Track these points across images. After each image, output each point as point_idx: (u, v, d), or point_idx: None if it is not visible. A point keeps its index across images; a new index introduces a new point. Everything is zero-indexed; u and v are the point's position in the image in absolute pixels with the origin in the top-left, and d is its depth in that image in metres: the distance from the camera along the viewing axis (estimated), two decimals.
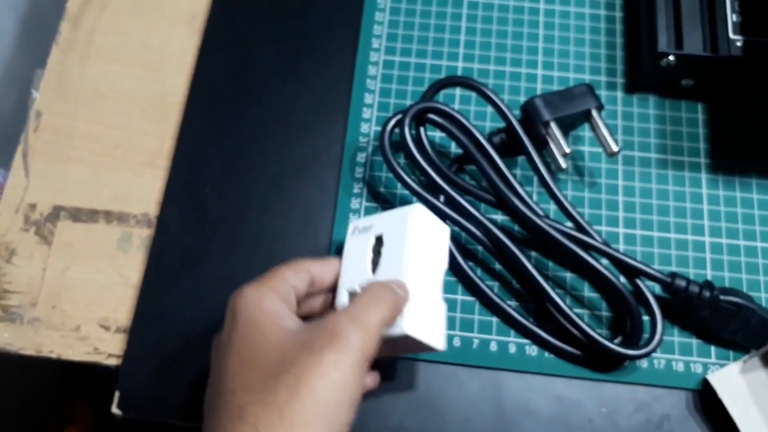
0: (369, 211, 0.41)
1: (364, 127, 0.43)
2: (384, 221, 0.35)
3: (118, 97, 0.45)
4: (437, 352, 0.34)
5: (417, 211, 0.34)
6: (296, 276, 0.33)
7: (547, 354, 0.38)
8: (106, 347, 0.39)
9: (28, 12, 0.58)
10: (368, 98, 0.44)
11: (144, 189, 0.42)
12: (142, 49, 0.46)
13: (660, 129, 0.43)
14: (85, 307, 0.40)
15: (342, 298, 0.35)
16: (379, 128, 0.43)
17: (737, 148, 0.43)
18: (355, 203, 0.41)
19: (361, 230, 0.36)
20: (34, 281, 0.40)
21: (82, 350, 0.39)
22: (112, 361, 0.39)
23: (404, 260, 0.33)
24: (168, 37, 0.47)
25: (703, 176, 0.42)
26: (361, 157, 0.43)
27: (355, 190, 0.42)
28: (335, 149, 0.43)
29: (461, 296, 0.39)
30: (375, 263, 0.35)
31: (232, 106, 0.44)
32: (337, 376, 0.27)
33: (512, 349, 0.38)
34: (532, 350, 0.38)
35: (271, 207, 0.42)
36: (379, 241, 0.35)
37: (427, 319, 0.33)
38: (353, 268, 0.35)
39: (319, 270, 0.34)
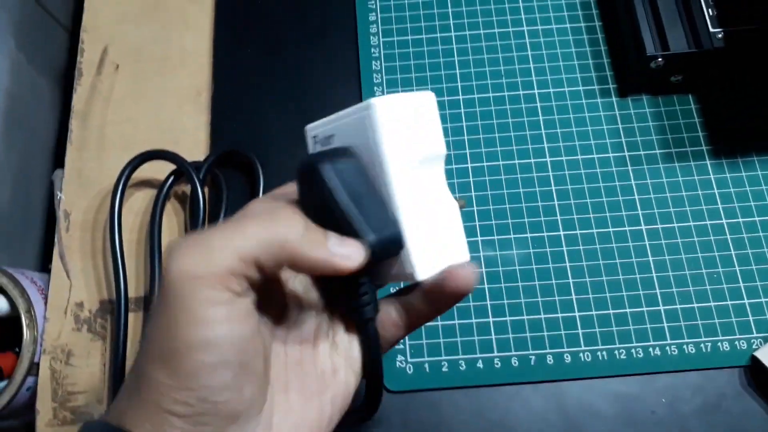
0: None
1: None
2: (346, 129, 0.26)
3: (138, 184, 0.46)
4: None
5: (381, 108, 0.25)
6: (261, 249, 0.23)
7: (600, 358, 0.40)
8: None
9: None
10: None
11: None
12: (154, 132, 0.47)
13: (659, 125, 0.46)
14: None
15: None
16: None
17: (734, 130, 0.46)
18: None
19: (322, 142, 0.27)
20: (96, 378, 0.41)
21: None
22: None
23: (392, 186, 0.25)
24: (178, 116, 0.48)
25: (708, 162, 0.45)
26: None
27: None
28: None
29: (510, 317, 0.41)
30: None
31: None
32: None
33: (567, 359, 0.40)
34: (587, 357, 0.40)
35: None
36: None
37: (442, 239, 0.26)
38: None
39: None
